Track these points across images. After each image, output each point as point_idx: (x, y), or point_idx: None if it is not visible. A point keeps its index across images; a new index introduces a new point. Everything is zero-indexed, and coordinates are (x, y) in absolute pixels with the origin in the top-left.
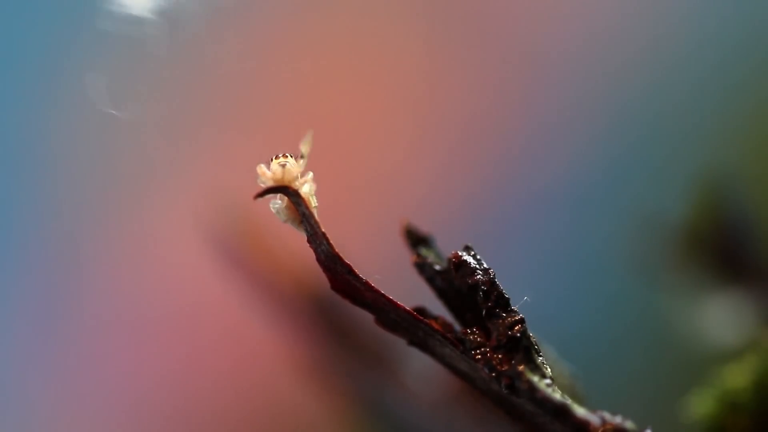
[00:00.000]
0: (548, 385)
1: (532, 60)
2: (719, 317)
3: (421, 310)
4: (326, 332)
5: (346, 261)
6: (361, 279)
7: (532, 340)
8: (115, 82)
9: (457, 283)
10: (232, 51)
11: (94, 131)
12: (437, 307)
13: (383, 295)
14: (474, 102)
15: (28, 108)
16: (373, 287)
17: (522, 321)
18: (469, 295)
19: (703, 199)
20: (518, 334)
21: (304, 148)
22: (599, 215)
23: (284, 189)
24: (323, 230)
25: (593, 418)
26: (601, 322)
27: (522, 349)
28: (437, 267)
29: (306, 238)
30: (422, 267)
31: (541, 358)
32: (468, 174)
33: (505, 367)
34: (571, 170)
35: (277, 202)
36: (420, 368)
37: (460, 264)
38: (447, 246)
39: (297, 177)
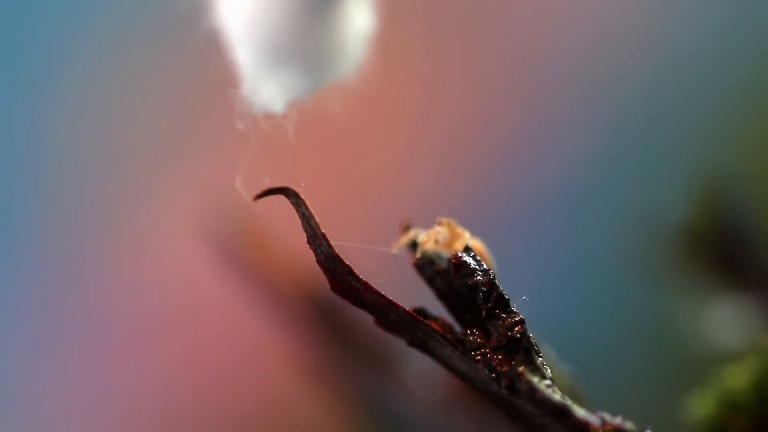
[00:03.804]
0: (548, 386)
1: (531, 59)
2: (719, 318)
3: (421, 311)
4: (326, 333)
5: (346, 262)
6: (361, 280)
7: (532, 340)
8: (117, 82)
9: (456, 284)
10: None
11: (95, 130)
12: (437, 308)
13: (383, 296)
14: (473, 102)
15: (29, 108)
16: (372, 288)
17: (522, 322)
18: (469, 296)
19: (703, 200)
20: (518, 335)
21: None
22: (599, 215)
23: (284, 190)
24: (323, 231)
25: (593, 419)
26: (601, 322)
27: (522, 349)
28: (436, 265)
29: (306, 238)
30: (422, 267)
31: (541, 359)
32: (468, 174)
33: (505, 368)
34: (571, 170)
35: (441, 232)
36: (420, 369)
37: (459, 265)
38: None
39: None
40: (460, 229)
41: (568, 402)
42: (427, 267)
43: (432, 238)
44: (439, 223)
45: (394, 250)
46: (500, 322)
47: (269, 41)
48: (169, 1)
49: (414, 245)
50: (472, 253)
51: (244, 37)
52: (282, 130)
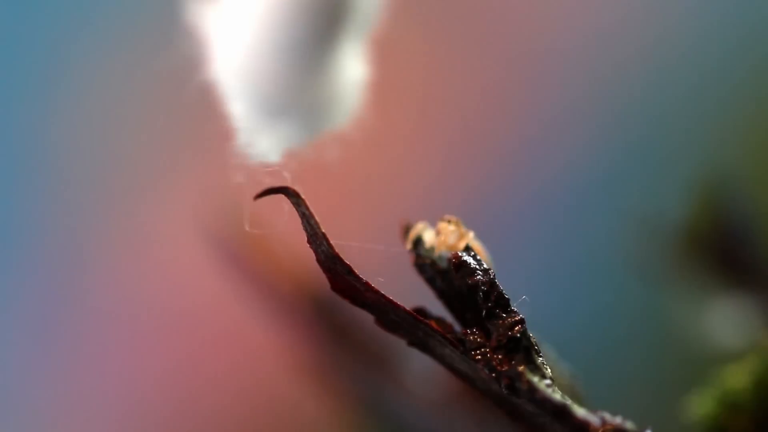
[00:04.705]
0: (548, 386)
1: (531, 59)
2: (719, 317)
3: (421, 311)
4: (326, 333)
5: (346, 261)
6: (361, 279)
7: (532, 340)
8: (117, 83)
9: (457, 284)
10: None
11: (94, 130)
12: (437, 308)
13: (383, 296)
14: (473, 102)
15: (28, 108)
16: (373, 288)
17: (522, 321)
18: (469, 295)
19: (703, 200)
20: (518, 335)
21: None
22: (599, 215)
23: (284, 189)
24: (323, 230)
25: (593, 419)
26: (602, 322)
27: (522, 349)
28: (436, 265)
29: (306, 238)
30: (422, 267)
31: (541, 359)
32: (467, 174)
33: (505, 368)
34: (570, 170)
35: (453, 231)
36: (420, 368)
37: (460, 264)
38: None
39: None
40: (464, 229)
41: (568, 402)
42: (428, 267)
43: (445, 239)
44: (448, 222)
45: (408, 246)
46: (500, 321)
47: (264, 93)
48: (163, 53)
49: (415, 245)
50: (473, 253)
51: (238, 89)
52: (279, 179)
